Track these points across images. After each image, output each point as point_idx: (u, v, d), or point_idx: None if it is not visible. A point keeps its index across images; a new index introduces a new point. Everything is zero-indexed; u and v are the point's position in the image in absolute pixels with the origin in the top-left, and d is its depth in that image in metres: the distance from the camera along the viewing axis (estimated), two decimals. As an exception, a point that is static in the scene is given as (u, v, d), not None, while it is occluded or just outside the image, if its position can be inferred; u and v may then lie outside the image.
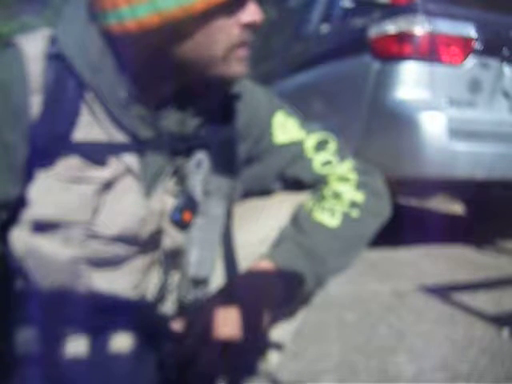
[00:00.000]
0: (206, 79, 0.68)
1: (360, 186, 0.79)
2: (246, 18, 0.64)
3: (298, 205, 0.79)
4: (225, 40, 0.64)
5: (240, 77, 0.69)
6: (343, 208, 0.77)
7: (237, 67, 0.67)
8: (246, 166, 0.79)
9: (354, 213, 0.77)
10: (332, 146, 0.81)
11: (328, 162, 0.80)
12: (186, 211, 0.70)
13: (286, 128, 0.80)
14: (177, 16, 0.58)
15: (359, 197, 0.78)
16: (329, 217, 0.76)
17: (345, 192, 0.78)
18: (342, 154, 0.81)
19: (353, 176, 0.80)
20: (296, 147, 0.80)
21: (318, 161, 0.80)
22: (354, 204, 0.77)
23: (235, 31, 0.64)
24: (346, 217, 0.76)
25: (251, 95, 0.78)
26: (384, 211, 0.81)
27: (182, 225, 0.70)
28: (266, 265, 0.71)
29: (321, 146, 0.81)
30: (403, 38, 2.16)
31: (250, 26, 0.65)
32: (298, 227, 0.75)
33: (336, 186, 0.79)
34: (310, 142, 0.80)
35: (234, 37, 0.64)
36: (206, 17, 0.60)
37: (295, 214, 0.78)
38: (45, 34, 0.66)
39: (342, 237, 0.76)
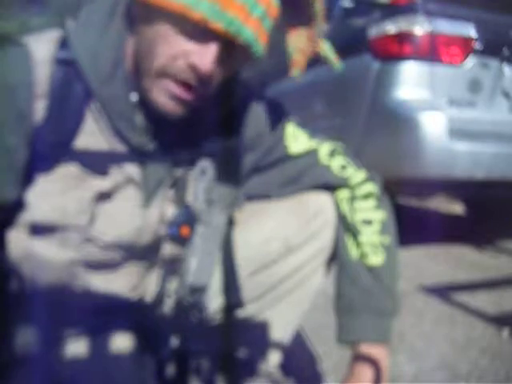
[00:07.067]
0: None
1: (379, 200, 0.83)
2: (193, 56, 0.56)
3: (340, 250, 0.82)
4: (163, 55, 0.57)
5: (167, 112, 0.61)
6: (379, 237, 0.80)
7: (162, 98, 0.60)
8: (251, 175, 0.79)
9: (387, 239, 0.81)
10: (342, 153, 0.84)
11: (344, 167, 0.82)
12: (184, 226, 0.69)
13: (298, 139, 0.81)
14: None
15: (382, 215, 0.82)
16: (375, 256, 0.79)
17: (373, 216, 0.81)
18: (353, 161, 0.84)
19: (373, 189, 0.83)
20: (312, 156, 0.81)
21: (336, 166, 0.82)
22: (383, 226, 0.81)
23: (175, 58, 0.57)
24: (384, 248, 0.80)
25: (262, 107, 0.78)
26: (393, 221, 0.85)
27: (180, 240, 0.70)
28: (369, 348, 0.78)
29: (332, 153, 0.83)
30: (403, 37, 2.16)
31: (192, 68, 0.57)
32: (359, 286, 0.79)
33: (362, 205, 0.81)
34: (323, 150, 0.82)
35: (171, 62, 0.57)
36: (159, 16, 0.55)
37: (346, 266, 0.80)
38: (54, 35, 0.65)
39: (390, 268, 0.80)
